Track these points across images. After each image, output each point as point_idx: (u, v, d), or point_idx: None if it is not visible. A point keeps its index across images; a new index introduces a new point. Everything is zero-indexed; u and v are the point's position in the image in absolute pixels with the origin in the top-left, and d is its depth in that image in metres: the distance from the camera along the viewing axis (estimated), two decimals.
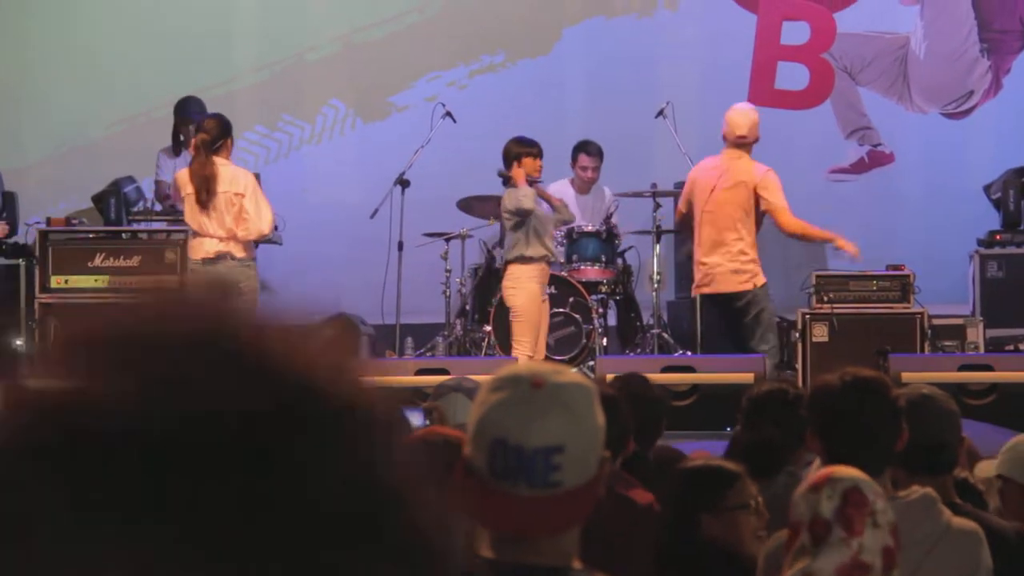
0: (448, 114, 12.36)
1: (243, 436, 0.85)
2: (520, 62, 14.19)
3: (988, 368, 10.37)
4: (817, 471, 3.87)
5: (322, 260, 13.16)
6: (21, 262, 11.87)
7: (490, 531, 2.62)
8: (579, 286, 11.54)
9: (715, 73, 13.91)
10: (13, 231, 12.26)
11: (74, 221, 12.00)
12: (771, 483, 5.03)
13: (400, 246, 11.96)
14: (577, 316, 11.49)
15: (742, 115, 10.96)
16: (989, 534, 4.29)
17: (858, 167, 14.23)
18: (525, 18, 14.11)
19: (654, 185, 12.10)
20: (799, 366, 10.98)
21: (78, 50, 14.05)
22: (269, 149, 14.16)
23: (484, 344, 11.48)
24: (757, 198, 10.81)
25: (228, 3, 14.24)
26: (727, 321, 10.98)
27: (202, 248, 10.50)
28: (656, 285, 11.71)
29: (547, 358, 10.75)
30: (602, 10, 14.27)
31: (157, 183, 12.40)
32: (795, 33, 14.17)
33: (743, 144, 10.87)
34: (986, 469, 5.18)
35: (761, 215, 10.90)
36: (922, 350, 10.99)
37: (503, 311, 11.02)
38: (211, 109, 11.78)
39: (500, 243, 11.74)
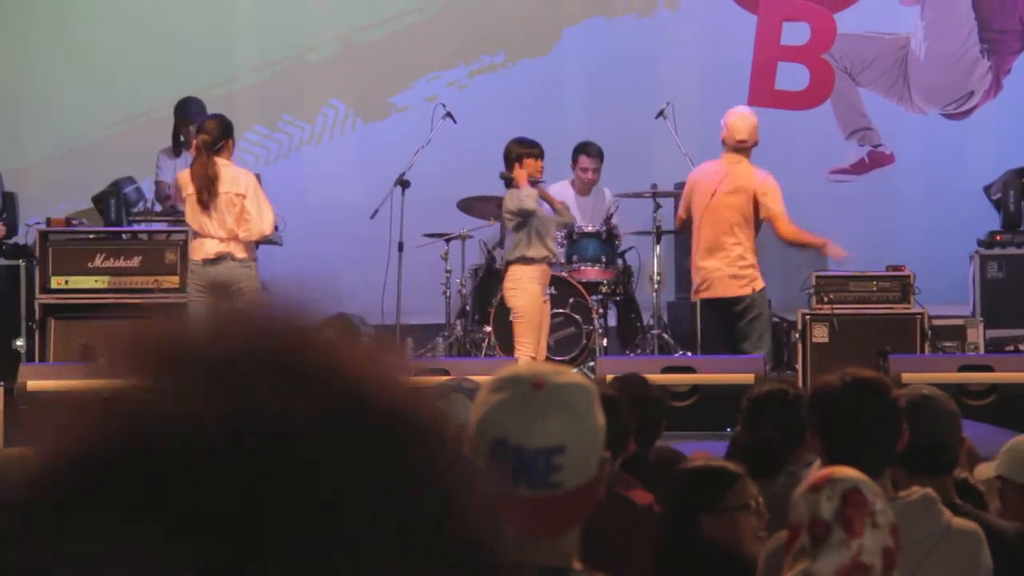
0: (448, 114, 12.35)
1: (304, 452, 0.86)
2: (520, 62, 14.19)
3: (988, 369, 10.37)
4: (817, 472, 3.87)
5: (322, 260, 13.14)
6: (21, 263, 11.85)
7: None
8: (579, 287, 11.53)
9: (715, 73, 13.90)
10: (13, 231, 12.24)
11: (74, 221, 12.00)
12: (771, 483, 5.03)
13: (400, 246, 11.94)
14: (577, 317, 11.49)
15: (742, 119, 10.94)
16: (989, 534, 4.29)
17: (858, 168, 14.23)
18: (525, 18, 14.11)
19: (654, 186, 12.09)
20: (799, 367, 10.97)
21: (78, 50, 14.04)
22: (269, 149, 14.16)
23: (484, 345, 11.48)
24: (757, 204, 10.80)
25: (228, 3, 14.24)
26: (726, 325, 10.97)
27: (203, 249, 10.49)
28: (656, 286, 11.70)
29: (547, 359, 10.75)
30: (602, 10, 14.26)
31: (157, 183, 12.39)
32: (795, 34, 14.17)
33: (743, 148, 10.85)
34: (984, 472, 5.17)
35: (760, 220, 10.89)
36: (922, 351, 10.99)
37: (503, 312, 11.01)
38: (211, 109, 11.76)
39: (500, 243, 11.74)
